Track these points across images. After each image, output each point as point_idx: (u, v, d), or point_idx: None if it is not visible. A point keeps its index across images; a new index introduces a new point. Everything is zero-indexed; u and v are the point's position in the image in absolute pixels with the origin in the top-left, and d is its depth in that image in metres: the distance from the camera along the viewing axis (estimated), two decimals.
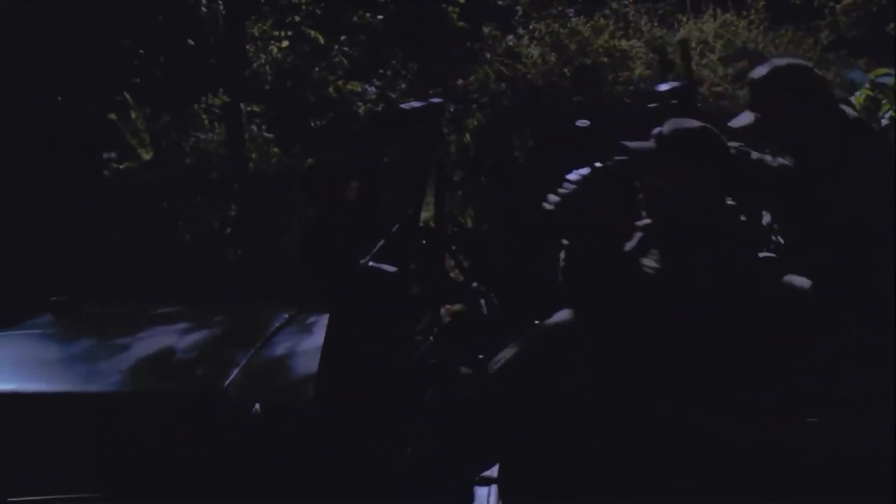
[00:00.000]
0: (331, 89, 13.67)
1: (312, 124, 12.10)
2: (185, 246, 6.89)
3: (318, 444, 2.56)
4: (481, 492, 3.00)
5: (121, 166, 8.24)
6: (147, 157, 8.37)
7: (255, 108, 7.84)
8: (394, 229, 3.34)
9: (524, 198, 7.69)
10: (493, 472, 2.99)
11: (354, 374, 2.61)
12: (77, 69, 8.86)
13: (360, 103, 14.71)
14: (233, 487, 2.65)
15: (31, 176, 7.73)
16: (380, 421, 2.75)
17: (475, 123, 7.98)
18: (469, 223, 7.86)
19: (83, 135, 8.61)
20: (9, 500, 2.76)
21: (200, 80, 8.35)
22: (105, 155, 8.66)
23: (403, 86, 14.88)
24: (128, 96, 8.31)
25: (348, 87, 13.95)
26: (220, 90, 7.92)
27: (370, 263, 2.83)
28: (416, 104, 3.25)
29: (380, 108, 14.26)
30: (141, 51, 8.42)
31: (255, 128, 7.67)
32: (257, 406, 2.64)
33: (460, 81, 8.01)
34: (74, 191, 7.57)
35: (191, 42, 9.08)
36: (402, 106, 3.08)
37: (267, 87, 10.38)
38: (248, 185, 7.20)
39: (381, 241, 3.15)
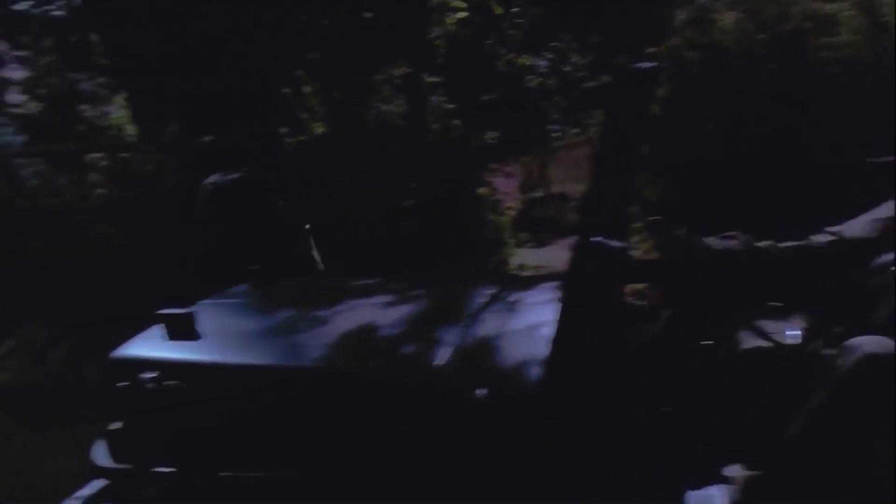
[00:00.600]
0: (501, 62, 13.43)
1: (484, 98, 11.91)
2: (364, 219, 6.77)
3: (549, 434, 2.31)
4: (715, 491, 2.67)
5: (295, 140, 8.25)
6: (319, 131, 8.35)
7: (436, 79, 7.66)
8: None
9: (712, 175, 7.25)
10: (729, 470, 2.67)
11: (590, 357, 2.35)
12: (254, 44, 8.93)
13: (530, 77, 14.43)
14: (452, 479, 2.44)
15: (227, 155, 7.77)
16: (613, 409, 2.47)
17: (663, 95, 7.54)
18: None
19: (258, 109, 8.68)
20: (220, 473, 2.66)
21: (381, 51, 8.25)
22: (280, 130, 8.71)
23: (577, 59, 14.50)
24: (301, 72, 8.31)
25: (519, 60, 13.67)
26: (401, 61, 7.79)
27: (597, 239, 2.55)
28: (640, 66, 2.95)
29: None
30: (325, 21, 8.38)
31: (435, 99, 7.50)
32: (483, 390, 2.40)
33: (652, 49, 7.57)
34: (253, 164, 7.58)
35: (369, 14, 8.98)
36: (632, 67, 2.77)
37: (440, 61, 10.24)
38: (428, 157, 7.04)
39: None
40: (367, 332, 2.99)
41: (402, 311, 3.20)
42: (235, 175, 6.33)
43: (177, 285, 5.76)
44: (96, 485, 3.01)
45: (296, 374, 2.77)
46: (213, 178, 6.30)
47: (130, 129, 10.74)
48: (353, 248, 6.55)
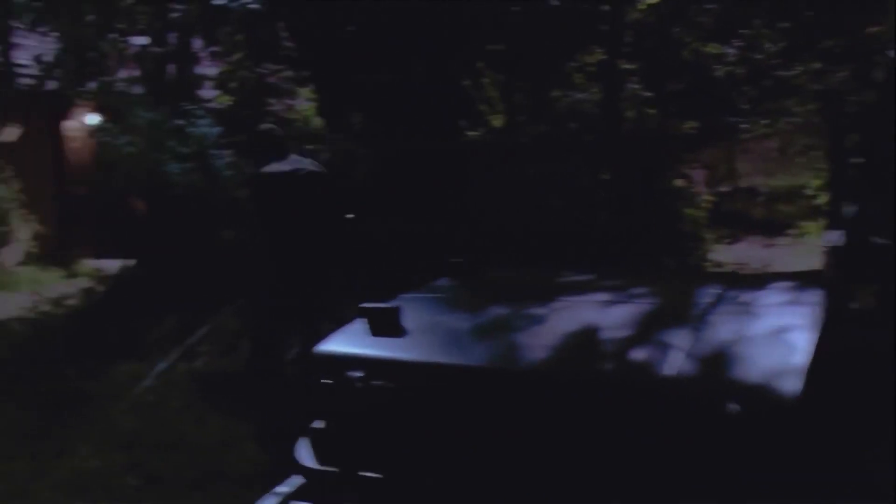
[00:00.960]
0: (687, 52, 12.86)
1: (670, 88, 11.41)
2: (555, 210, 6.51)
3: (810, 456, 1.99)
4: None
5: (476, 132, 8.09)
6: (498, 123, 8.17)
7: (631, 66, 7.31)
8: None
9: None
10: None
11: (857, 365, 2.01)
12: (437, 36, 8.82)
13: (717, 66, 13.75)
14: (692, 498, 2.15)
15: (411, 147, 7.73)
16: (878, 424, 2.12)
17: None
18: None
19: (442, 105, 8.59)
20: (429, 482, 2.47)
21: (572, 38, 7.96)
22: (461, 123, 8.57)
23: (770, 46, 13.72)
24: (481, 64, 8.14)
25: (707, 48, 13.07)
26: (594, 48, 7.47)
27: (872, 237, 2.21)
28: None
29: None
30: (516, 8, 8.17)
31: (630, 86, 7.14)
32: (733, 405, 2.10)
33: (872, 30, 6.93)
34: (444, 156, 7.48)
35: (556, 2, 8.71)
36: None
37: (627, 49, 9.86)
38: (622, 146, 6.70)
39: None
40: (586, 333, 2.72)
41: (623, 310, 2.92)
42: (289, 167, 6.05)
43: (367, 277, 5.70)
44: (295, 481, 2.89)
45: (512, 378, 2.54)
46: (268, 168, 6.00)
47: (316, 122, 10.90)
48: (543, 241, 6.33)
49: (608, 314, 2.89)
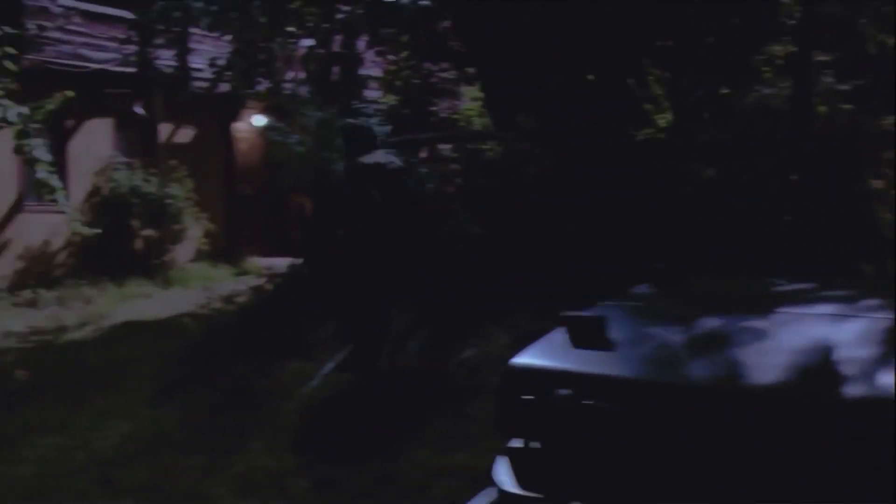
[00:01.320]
0: (872, 45, 12.05)
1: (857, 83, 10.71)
2: (738, 212, 6.11)
3: None
4: None
5: (647, 131, 7.75)
6: (664, 122, 7.80)
7: (825, 59, 6.80)
8: None
9: None
10: None
11: None
12: (604, 33, 8.53)
13: None
14: None
15: (584, 146, 7.47)
16: None
17: None
18: None
19: (611, 103, 8.28)
20: None
21: (756, 30, 7.50)
22: (626, 122, 8.25)
23: None
24: (646, 61, 7.80)
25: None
26: (781, 40, 7.00)
27: None
28: None
29: None
30: None
31: (824, 80, 6.64)
32: None
33: None
34: (619, 156, 7.17)
35: None
36: None
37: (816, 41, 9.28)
38: (813, 145, 6.23)
39: None
40: (819, 351, 2.40)
41: (855, 325, 2.58)
42: (383, 160, 6.31)
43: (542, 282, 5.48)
44: (486, 498, 2.70)
45: (740, 399, 2.25)
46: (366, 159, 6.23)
47: (478, 121, 10.80)
48: (726, 245, 5.95)
49: (840, 329, 2.56)
